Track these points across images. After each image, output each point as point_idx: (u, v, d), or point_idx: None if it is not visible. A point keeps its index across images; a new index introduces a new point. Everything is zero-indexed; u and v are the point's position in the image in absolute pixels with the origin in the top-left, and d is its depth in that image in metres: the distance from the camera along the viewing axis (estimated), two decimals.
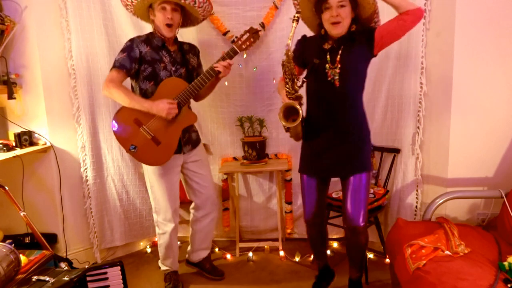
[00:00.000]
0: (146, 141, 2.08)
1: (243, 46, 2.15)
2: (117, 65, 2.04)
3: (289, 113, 1.80)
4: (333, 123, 1.89)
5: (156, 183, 2.22)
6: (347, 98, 1.86)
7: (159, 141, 2.09)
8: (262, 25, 2.61)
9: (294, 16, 1.76)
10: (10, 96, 2.31)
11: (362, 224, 1.89)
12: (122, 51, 2.07)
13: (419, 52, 2.34)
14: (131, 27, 2.66)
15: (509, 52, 2.14)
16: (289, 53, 1.77)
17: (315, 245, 2.20)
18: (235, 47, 2.13)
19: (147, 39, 2.13)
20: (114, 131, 2.09)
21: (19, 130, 2.40)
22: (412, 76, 2.39)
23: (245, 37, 2.15)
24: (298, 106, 1.76)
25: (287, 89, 1.82)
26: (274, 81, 2.72)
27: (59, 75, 2.50)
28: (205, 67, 2.29)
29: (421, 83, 2.37)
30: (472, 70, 2.17)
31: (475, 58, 2.16)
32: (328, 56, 1.84)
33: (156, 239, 2.89)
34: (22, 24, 2.36)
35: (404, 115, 2.47)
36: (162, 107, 1.99)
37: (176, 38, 2.21)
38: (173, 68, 2.15)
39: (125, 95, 2.00)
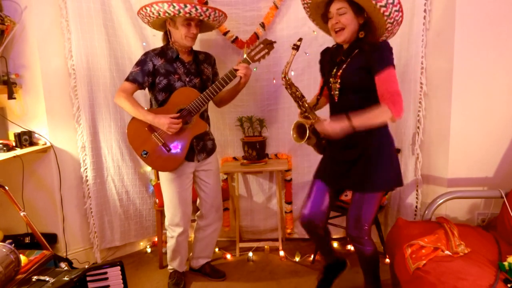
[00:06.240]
0: (157, 147, 2.12)
1: (256, 58, 2.10)
2: (130, 79, 2.11)
3: (301, 129, 1.83)
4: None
5: (167, 188, 2.23)
6: (347, 112, 1.76)
7: (169, 148, 2.12)
8: (262, 25, 2.61)
9: (294, 45, 1.76)
10: (10, 96, 2.31)
11: (361, 234, 1.85)
12: (136, 64, 2.13)
13: (419, 52, 2.34)
14: (131, 27, 2.66)
15: (509, 52, 2.14)
16: (287, 81, 1.82)
17: (316, 243, 2.22)
18: (247, 58, 2.09)
19: (162, 51, 2.16)
20: (128, 136, 2.15)
21: (19, 130, 2.40)
22: (412, 76, 2.39)
23: (258, 48, 2.08)
24: (306, 125, 1.78)
25: (299, 108, 1.87)
26: (274, 81, 2.72)
27: (59, 75, 2.50)
28: None
29: (421, 83, 2.37)
30: (472, 70, 2.17)
31: (475, 58, 2.16)
32: (334, 70, 1.82)
33: (156, 239, 2.91)
34: (22, 24, 2.36)
35: (404, 115, 2.46)
36: (163, 121, 2.04)
37: (191, 48, 2.23)
38: (187, 79, 2.17)
39: (131, 106, 2.08)
